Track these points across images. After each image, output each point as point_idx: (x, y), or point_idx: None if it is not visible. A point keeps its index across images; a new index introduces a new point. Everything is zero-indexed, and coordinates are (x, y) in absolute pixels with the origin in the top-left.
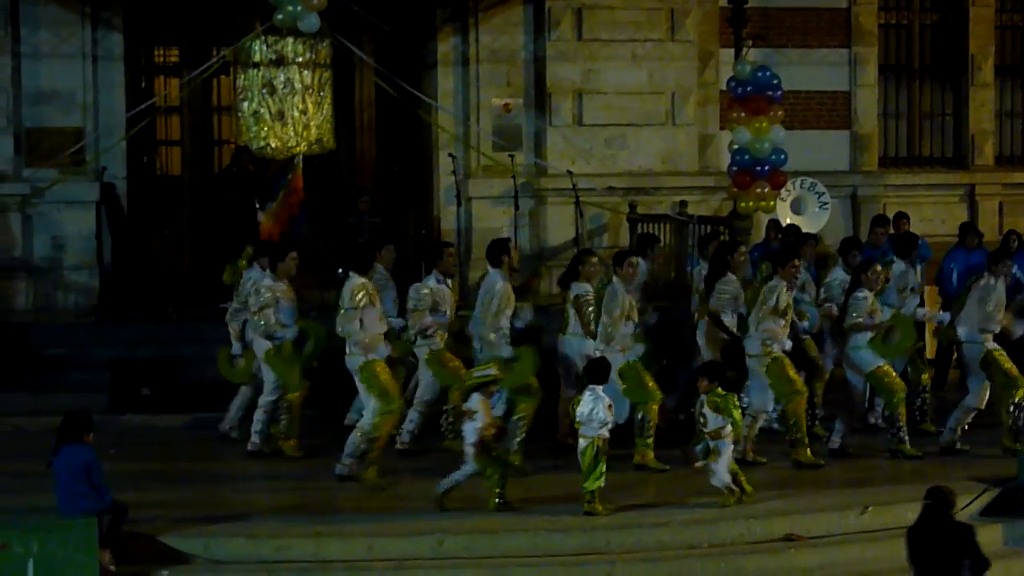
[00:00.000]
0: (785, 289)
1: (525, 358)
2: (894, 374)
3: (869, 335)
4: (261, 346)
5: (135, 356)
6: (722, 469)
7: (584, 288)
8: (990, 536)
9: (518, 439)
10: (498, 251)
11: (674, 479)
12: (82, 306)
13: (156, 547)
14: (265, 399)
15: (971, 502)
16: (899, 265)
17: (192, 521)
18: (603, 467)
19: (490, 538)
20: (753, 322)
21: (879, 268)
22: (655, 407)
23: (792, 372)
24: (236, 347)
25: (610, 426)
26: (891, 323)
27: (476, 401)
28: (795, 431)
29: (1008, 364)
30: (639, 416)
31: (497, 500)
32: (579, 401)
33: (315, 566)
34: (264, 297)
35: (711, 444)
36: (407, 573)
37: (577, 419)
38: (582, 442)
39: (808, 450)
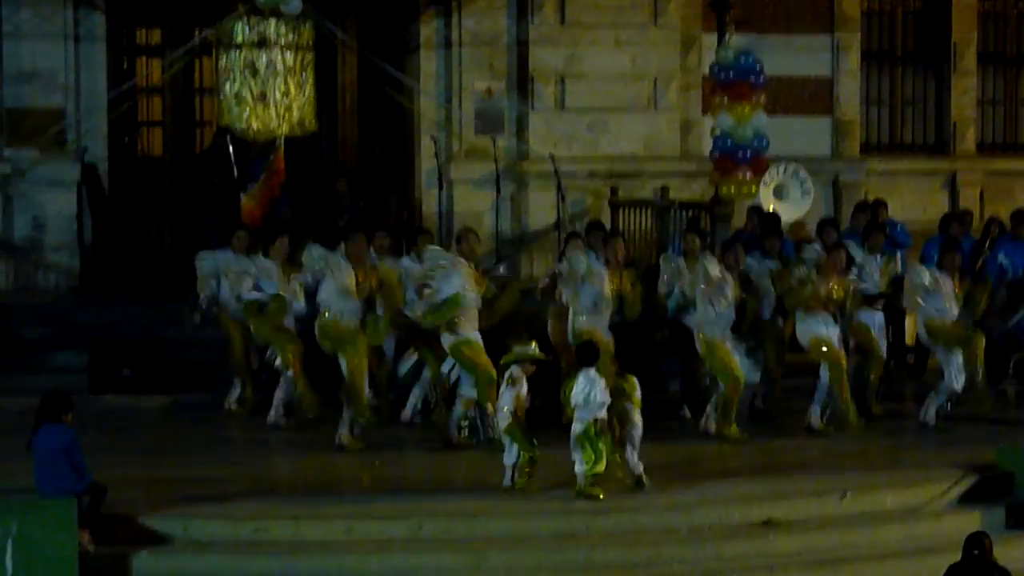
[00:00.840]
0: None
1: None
2: (834, 347)
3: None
4: None
5: (116, 337)
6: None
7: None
8: (968, 523)
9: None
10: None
11: (651, 463)
12: (63, 286)
13: (135, 528)
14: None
15: (949, 488)
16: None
17: (171, 502)
18: (603, 449)
19: (469, 521)
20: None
21: (842, 254)
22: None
23: (727, 356)
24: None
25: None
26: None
27: (517, 370)
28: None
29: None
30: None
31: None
32: (572, 385)
33: (294, 548)
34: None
35: None
36: (385, 556)
37: (572, 403)
38: (578, 426)
39: (735, 427)
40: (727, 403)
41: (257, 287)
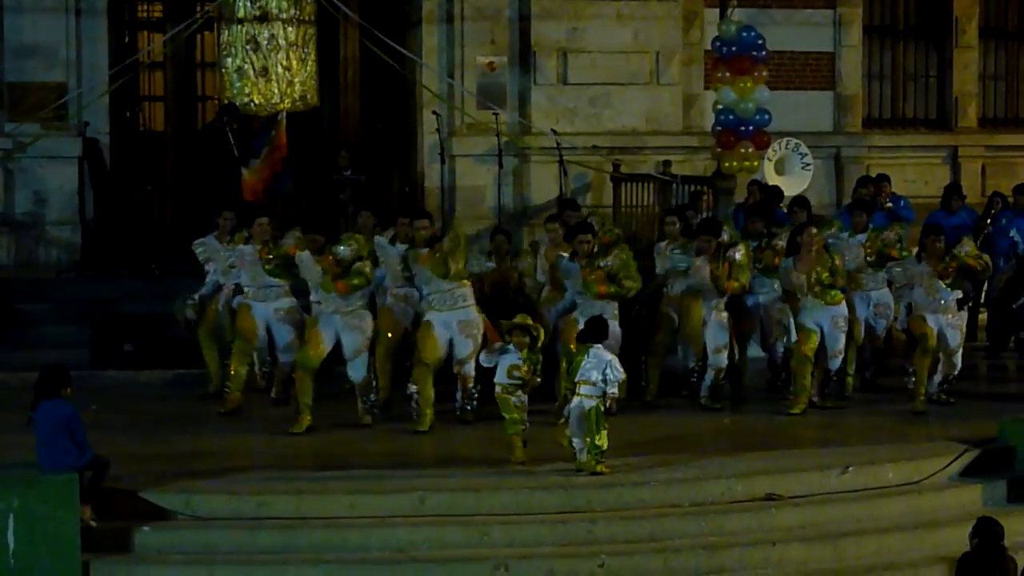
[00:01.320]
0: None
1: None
2: (812, 338)
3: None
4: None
5: (117, 312)
6: None
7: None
8: (969, 496)
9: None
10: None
11: (653, 439)
12: (64, 261)
13: (137, 503)
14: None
15: (951, 463)
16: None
17: (173, 477)
18: (606, 425)
19: (472, 496)
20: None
21: (814, 231)
22: None
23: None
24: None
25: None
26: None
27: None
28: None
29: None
30: None
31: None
32: (579, 361)
33: (296, 523)
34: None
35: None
36: (388, 531)
37: (582, 378)
38: (589, 402)
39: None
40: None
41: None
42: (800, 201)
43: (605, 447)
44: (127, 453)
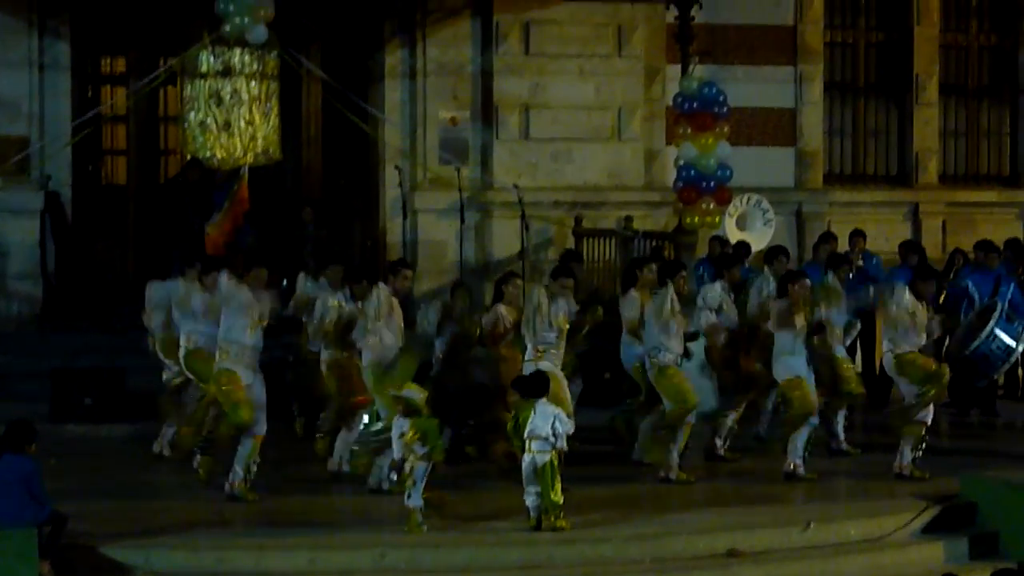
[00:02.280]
0: (671, 298)
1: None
2: (807, 390)
3: (790, 342)
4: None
5: (78, 365)
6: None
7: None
8: (931, 553)
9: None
10: (388, 270)
11: (614, 495)
12: (25, 315)
13: (96, 558)
14: None
15: (912, 519)
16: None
17: (133, 532)
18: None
19: (432, 552)
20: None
21: (807, 283)
22: None
23: (682, 383)
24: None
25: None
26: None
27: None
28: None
29: (924, 362)
30: None
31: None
32: (526, 417)
33: None
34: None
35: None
36: None
37: (531, 434)
38: (541, 457)
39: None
40: (669, 427)
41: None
42: (781, 250)
43: (561, 502)
44: (86, 508)
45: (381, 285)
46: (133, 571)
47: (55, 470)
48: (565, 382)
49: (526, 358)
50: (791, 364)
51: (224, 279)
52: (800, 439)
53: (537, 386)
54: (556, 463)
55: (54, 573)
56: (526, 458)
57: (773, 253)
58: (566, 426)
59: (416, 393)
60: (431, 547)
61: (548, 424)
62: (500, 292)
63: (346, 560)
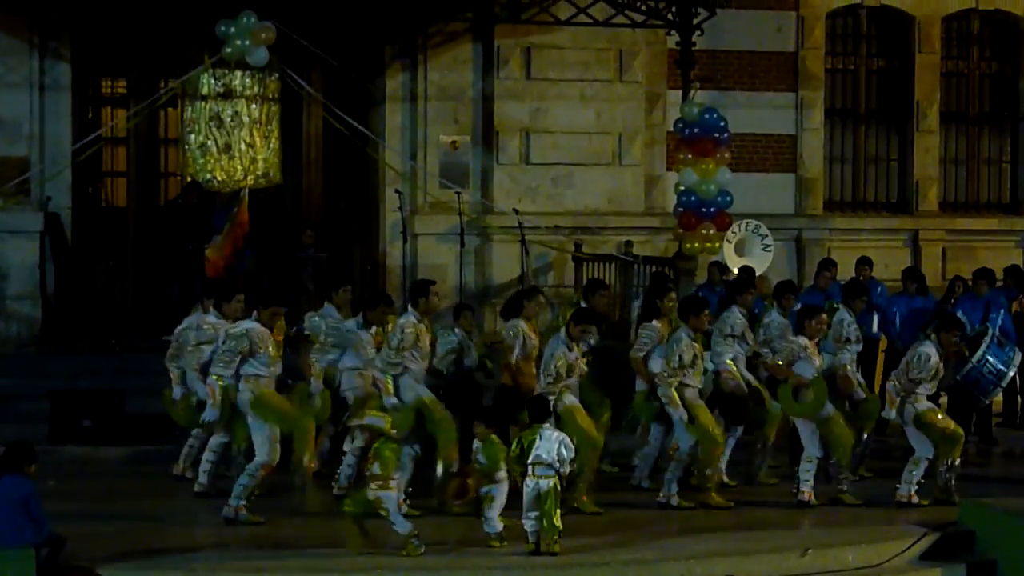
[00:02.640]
0: (688, 340)
1: (405, 415)
2: (843, 422)
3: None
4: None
5: (77, 387)
6: (493, 516)
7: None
8: None
9: None
10: (415, 292)
11: (613, 520)
12: (24, 336)
13: None
14: (217, 441)
15: (910, 546)
16: (842, 313)
17: (131, 554)
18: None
19: (431, 575)
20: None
21: (824, 318)
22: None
23: (708, 418)
24: (177, 391)
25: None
26: (809, 383)
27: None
28: (703, 477)
29: (942, 422)
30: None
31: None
32: (530, 442)
33: None
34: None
35: (484, 491)
36: None
37: (537, 459)
38: (546, 483)
39: (714, 494)
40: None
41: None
42: (788, 285)
43: (560, 527)
44: (84, 530)
45: (406, 316)
46: None
47: (54, 492)
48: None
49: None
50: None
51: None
52: (807, 469)
53: (541, 411)
54: (559, 488)
55: None
56: (529, 483)
57: (781, 290)
58: (570, 452)
59: (378, 419)
60: (429, 570)
61: (554, 449)
62: (520, 306)
63: None
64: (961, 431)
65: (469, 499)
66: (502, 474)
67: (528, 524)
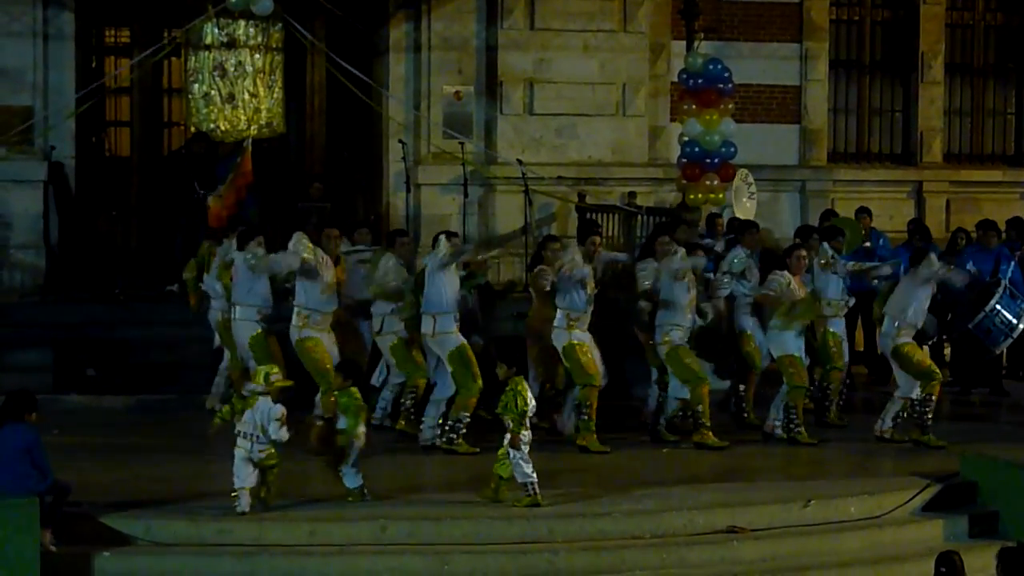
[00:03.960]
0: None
1: None
2: (801, 367)
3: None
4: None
5: (80, 336)
6: (350, 470)
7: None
8: (931, 532)
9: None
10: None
11: (614, 469)
12: (28, 285)
13: (98, 528)
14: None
15: (912, 498)
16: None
17: (134, 503)
18: None
19: (433, 525)
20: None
21: (803, 254)
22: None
23: (692, 358)
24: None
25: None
26: (799, 300)
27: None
28: (700, 415)
29: (919, 358)
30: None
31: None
32: (525, 392)
33: (257, 550)
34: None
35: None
36: (349, 559)
37: (529, 410)
38: (529, 433)
39: (711, 433)
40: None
41: None
42: (752, 224)
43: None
44: (88, 478)
45: (388, 254)
46: (134, 541)
47: (57, 440)
48: (597, 352)
49: (556, 325)
50: (784, 341)
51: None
52: (778, 405)
53: (523, 360)
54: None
55: (55, 542)
56: (526, 435)
57: (744, 227)
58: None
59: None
60: (432, 520)
61: (532, 400)
62: (540, 256)
63: (347, 533)
64: (937, 370)
65: (332, 449)
66: (361, 429)
67: (524, 477)
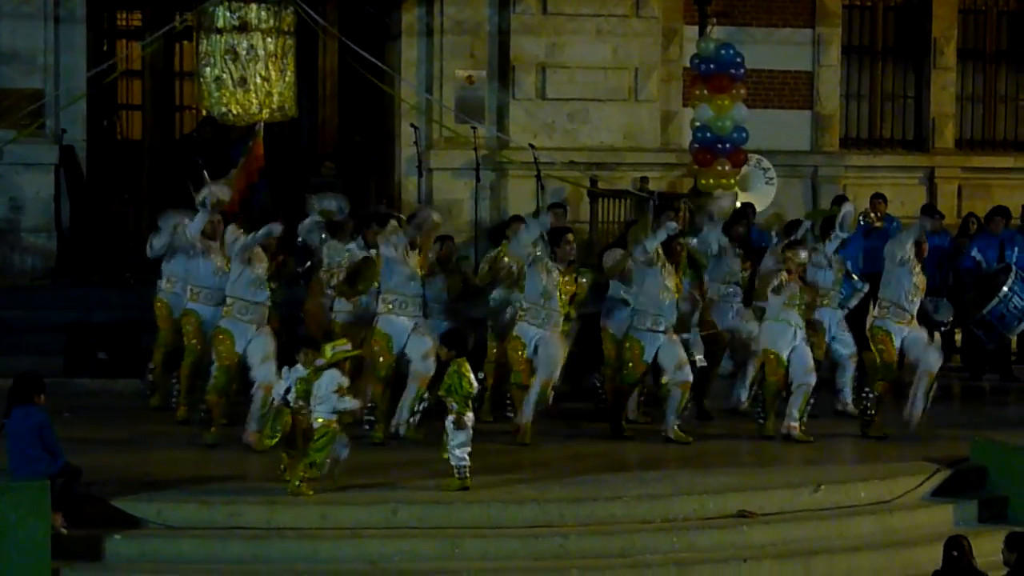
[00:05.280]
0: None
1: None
2: (780, 366)
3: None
4: None
5: (91, 320)
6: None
7: None
8: (941, 516)
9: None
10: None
11: (626, 454)
12: (39, 269)
13: (109, 511)
14: None
15: (922, 483)
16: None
17: (145, 486)
18: None
19: (444, 509)
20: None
21: (800, 253)
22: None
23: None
24: None
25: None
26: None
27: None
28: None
29: (883, 347)
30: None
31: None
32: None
33: (268, 533)
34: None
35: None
36: (360, 542)
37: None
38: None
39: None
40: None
41: None
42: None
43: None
44: (99, 461)
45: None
46: (145, 524)
47: (69, 423)
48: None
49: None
50: (772, 334)
51: None
52: (795, 403)
53: (465, 342)
54: None
55: (67, 525)
56: (470, 416)
57: (737, 216)
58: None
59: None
60: (443, 504)
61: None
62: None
63: (357, 516)
64: (894, 369)
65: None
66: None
67: (460, 460)
